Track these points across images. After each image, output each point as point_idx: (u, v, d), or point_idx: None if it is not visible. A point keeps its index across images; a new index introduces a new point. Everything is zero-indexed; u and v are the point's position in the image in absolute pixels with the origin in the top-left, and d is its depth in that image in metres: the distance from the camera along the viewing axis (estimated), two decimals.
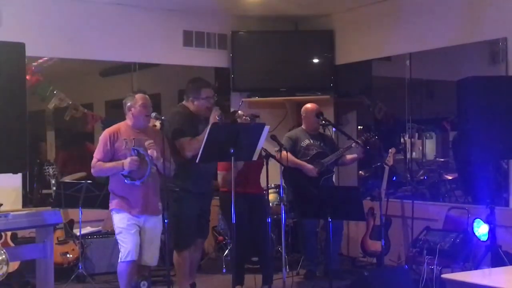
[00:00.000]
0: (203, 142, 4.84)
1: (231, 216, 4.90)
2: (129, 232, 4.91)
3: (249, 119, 5.71)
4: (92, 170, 5.02)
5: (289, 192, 6.16)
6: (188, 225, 5.26)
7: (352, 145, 6.18)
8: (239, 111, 5.78)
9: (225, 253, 6.81)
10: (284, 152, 5.96)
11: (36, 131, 7.14)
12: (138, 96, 5.03)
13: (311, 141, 6.34)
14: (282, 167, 5.89)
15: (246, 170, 5.47)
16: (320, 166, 6.20)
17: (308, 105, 6.45)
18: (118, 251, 5.06)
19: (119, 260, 4.96)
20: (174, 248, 5.31)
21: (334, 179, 6.73)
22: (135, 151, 4.83)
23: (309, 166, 6.17)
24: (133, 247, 4.89)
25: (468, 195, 6.54)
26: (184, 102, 5.42)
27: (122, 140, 4.92)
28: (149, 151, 4.88)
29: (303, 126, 6.46)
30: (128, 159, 4.82)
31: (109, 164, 4.91)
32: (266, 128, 5.07)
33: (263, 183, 5.62)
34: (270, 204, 6.54)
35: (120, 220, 4.95)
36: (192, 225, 5.29)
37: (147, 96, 5.08)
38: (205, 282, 6.15)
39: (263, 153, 5.29)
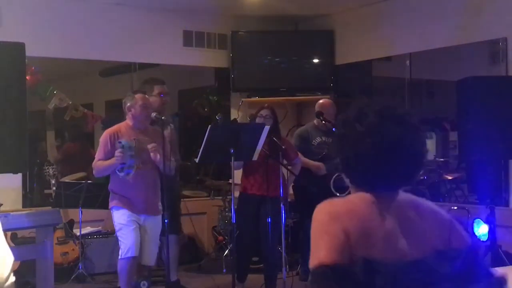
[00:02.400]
0: (203, 142, 4.85)
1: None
2: (129, 228, 4.91)
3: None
4: (93, 171, 5.05)
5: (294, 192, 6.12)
6: None
7: None
8: (263, 112, 5.71)
9: (225, 253, 6.81)
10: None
11: (36, 131, 7.15)
12: (138, 96, 5.04)
13: (323, 139, 6.14)
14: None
15: (262, 173, 5.47)
16: (330, 166, 6.06)
17: (322, 101, 6.30)
18: (118, 251, 5.06)
19: (119, 257, 4.96)
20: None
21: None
22: (119, 143, 4.83)
23: (316, 163, 5.99)
24: (133, 243, 4.89)
25: (475, 195, 6.52)
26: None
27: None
28: (151, 155, 4.89)
29: (315, 122, 6.22)
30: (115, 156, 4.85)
31: (105, 163, 4.93)
32: (266, 128, 5.08)
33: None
34: None
35: (120, 217, 4.95)
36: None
37: (146, 96, 5.08)
38: (205, 282, 6.15)
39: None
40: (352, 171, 1.90)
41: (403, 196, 1.92)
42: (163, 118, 5.07)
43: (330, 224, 1.79)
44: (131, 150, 4.81)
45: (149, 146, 4.88)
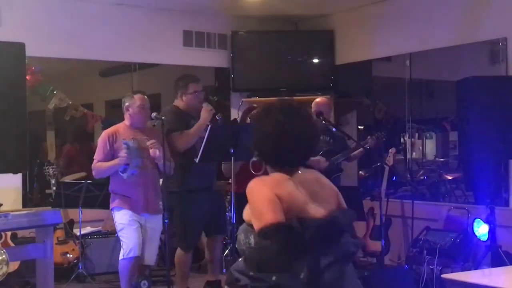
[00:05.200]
0: (204, 142, 4.85)
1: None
2: (131, 227, 4.91)
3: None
4: (93, 173, 5.04)
5: None
6: (194, 226, 5.26)
7: (366, 146, 6.03)
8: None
9: (225, 253, 6.80)
10: None
11: (36, 131, 7.15)
12: (137, 97, 5.03)
13: (321, 137, 6.16)
14: None
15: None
16: (329, 164, 6.05)
17: (318, 99, 6.30)
18: (118, 251, 5.06)
19: (120, 257, 4.96)
20: (180, 247, 5.31)
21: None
22: (125, 144, 4.83)
23: (316, 158, 5.91)
24: (135, 244, 4.89)
25: (473, 195, 6.53)
26: (174, 102, 5.42)
27: (120, 140, 4.93)
28: (150, 151, 4.89)
29: None
30: (119, 156, 4.83)
31: (107, 164, 4.93)
32: None
33: None
34: None
35: (121, 217, 4.96)
36: (198, 225, 5.30)
37: (145, 97, 5.07)
38: (208, 278, 6.14)
39: None
40: (266, 155, 2.56)
41: (308, 173, 2.59)
42: (163, 118, 5.07)
43: (266, 192, 2.38)
44: (138, 150, 4.82)
45: (149, 143, 4.89)
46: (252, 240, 2.39)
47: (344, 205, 2.63)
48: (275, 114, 2.50)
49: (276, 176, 2.50)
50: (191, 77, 5.46)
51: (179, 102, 5.36)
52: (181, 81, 5.37)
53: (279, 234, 2.28)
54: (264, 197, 2.37)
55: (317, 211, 2.45)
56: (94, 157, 5.01)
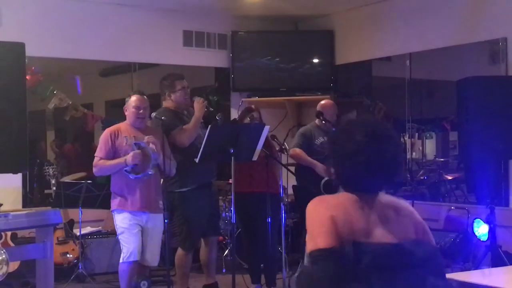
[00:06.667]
0: (203, 142, 4.85)
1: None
2: (132, 232, 4.90)
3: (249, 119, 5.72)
4: (94, 170, 5.00)
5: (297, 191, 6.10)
6: (197, 225, 5.26)
7: None
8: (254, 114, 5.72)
9: (225, 253, 6.80)
10: (296, 150, 5.89)
11: (36, 131, 7.15)
12: (133, 97, 5.02)
13: (325, 139, 6.08)
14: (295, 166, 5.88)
15: (257, 170, 5.46)
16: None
17: (323, 102, 6.29)
18: (118, 251, 5.06)
19: (120, 261, 4.95)
20: (182, 248, 5.31)
21: None
22: (137, 145, 4.81)
23: (322, 165, 5.88)
24: (136, 248, 4.88)
25: (473, 195, 6.53)
26: (163, 104, 5.40)
27: (122, 137, 4.93)
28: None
29: (316, 122, 6.10)
30: (131, 154, 4.79)
31: (112, 162, 4.90)
32: (266, 128, 5.08)
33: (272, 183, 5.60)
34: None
35: (122, 220, 4.94)
36: (201, 224, 5.29)
37: (143, 97, 5.03)
38: (205, 282, 6.14)
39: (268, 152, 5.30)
40: (341, 178, 2.34)
41: (385, 198, 2.36)
42: (163, 118, 5.07)
43: (321, 213, 2.22)
44: (153, 152, 4.79)
45: (145, 138, 4.87)
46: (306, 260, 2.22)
47: (429, 238, 2.33)
48: (356, 134, 2.27)
49: (339, 196, 2.31)
50: (175, 74, 5.48)
51: (168, 103, 5.34)
52: (166, 81, 5.38)
53: (329, 260, 2.09)
54: (318, 219, 2.20)
55: (384, 236, 2.22)
56: (96, 154, 4.98)
